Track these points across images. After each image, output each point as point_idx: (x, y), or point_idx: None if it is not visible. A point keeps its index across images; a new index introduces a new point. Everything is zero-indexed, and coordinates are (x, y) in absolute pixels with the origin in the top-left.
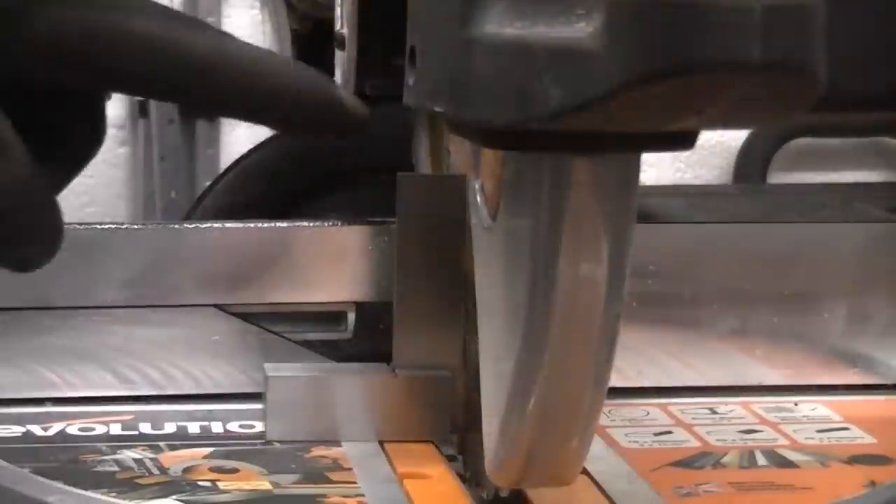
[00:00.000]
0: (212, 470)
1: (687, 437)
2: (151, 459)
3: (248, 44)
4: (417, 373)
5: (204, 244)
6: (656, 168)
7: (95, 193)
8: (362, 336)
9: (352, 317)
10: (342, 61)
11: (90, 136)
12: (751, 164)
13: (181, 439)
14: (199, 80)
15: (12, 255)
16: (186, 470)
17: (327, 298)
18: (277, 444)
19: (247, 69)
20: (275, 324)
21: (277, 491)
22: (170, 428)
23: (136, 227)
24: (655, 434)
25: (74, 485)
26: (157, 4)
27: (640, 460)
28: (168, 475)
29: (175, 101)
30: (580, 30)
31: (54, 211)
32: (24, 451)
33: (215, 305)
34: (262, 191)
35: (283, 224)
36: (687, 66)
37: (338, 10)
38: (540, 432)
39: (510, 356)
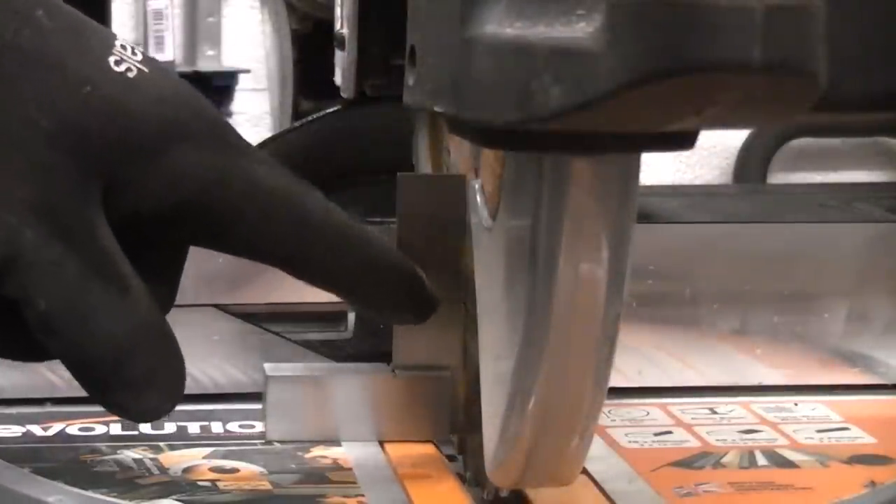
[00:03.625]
0: (212, 470)
1: (687, 437)
2: (151, 459)
3: (338, 209)
4: (417, 373)
5: None
6: (656, 168)
7: None
8: (362, 336)
9: (352, 317)
10: (342, 61)
11: (168, 291)
12: (751, 164)
13: (181, 439)
14: (315, 246)
15: (133, 403)
16: (186, 470)
17: (327, 298)
18: (277, 444)
19: (355, 238)
20: (275, 324)
21: (277, 491)
22: (170, 428)
23: None
24: (655, 434)
25: (74, 485)
26: (273, 160)
27: (640, 460)
28: (168, 475)
29: (283, 264)
30: (580, 30)
31: (176, 353)
32: (24, 451)
33: (215, 305)
34: None
35: None
36: (687, 66)
37: (338, 10)
38: (540, 432)
39: (510, 356)
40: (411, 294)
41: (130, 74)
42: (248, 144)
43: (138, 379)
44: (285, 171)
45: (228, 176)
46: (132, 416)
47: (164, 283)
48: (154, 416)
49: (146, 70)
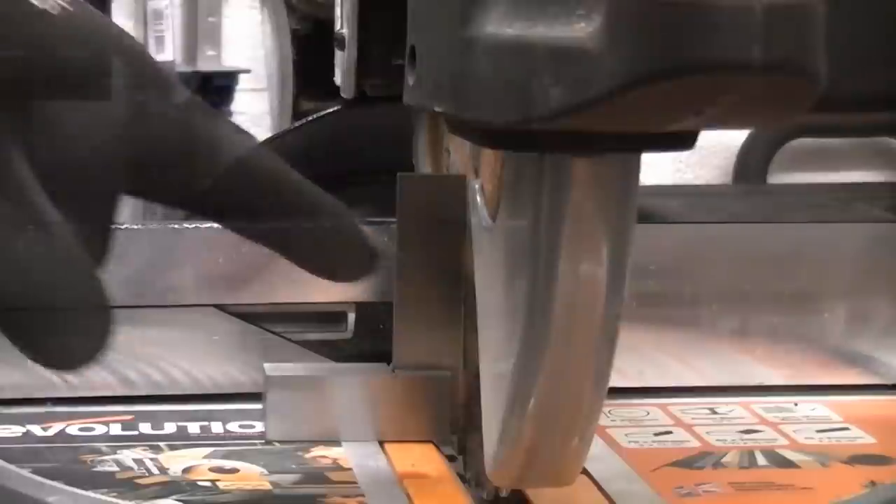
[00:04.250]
0: (212, 470)
1: (687, 437)
2: (151, 459)
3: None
4: (417, 373)
5: (203, 244)
6: (656, 168)
7: None
8: (362, 336)
9: (352, 317)
10: (342, 61)
11: (99, 241)
12: (751, 164)
13: (181, 439)
14: (241, 186)
15: (55, 348)
16: (186, 470)
17: (327, 298)
18: (277, 444)
19: (286, 180)
20: (275, 324)
21: (277, 491)
22: (170, 428)
23: (135, 227)
24: (655, 434)
25: (74, 485)
26: (207, 107)
27: (640, 460)
28: (168, 475)
29: (212, 213)
30: (580, 30)
31: (100, 291)
32: (24, 451)
33: (215, 305)
34: None
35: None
36: (687, 66)
37: (338, 10)
38: (540, 432)
39: (510, 356)
40: (349, 245)
41: (54, 12)
42: (181, 87)
43: (59, 319)
44: (225, 119)
45: (146, 114)
46: (56, 360)
47: (92, 232)
48: (81, 362)
49: (70, 8)
